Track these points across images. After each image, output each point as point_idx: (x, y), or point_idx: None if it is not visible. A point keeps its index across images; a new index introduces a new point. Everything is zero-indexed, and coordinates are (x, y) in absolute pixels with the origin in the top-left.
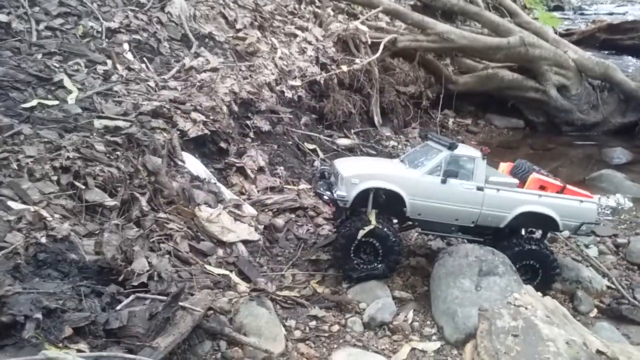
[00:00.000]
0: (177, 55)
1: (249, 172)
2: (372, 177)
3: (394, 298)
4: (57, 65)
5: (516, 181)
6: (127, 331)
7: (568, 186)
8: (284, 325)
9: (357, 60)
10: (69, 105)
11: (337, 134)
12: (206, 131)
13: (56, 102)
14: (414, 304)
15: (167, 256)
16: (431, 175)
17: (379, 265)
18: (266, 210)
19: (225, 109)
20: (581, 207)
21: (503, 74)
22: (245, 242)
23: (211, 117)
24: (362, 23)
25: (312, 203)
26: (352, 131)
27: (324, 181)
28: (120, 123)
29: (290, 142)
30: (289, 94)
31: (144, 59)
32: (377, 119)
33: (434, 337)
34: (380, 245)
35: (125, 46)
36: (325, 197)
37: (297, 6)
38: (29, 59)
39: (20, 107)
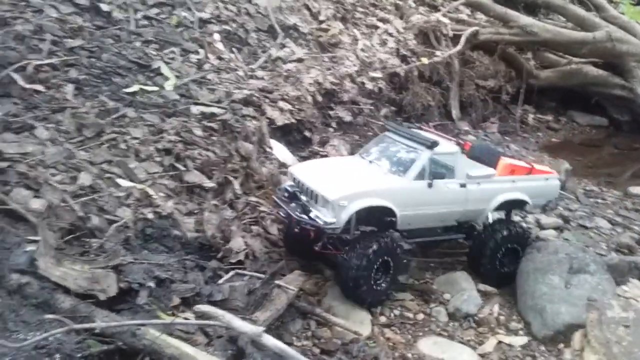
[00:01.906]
0: (263, 46)
1: None
2: (361, 195)
3: (478, 291)
4: (155, 53)
5: (493, 171)
6: (228, 304)
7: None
8: (370, 311)
9: (438, 53)
10: (167, 91)
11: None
12: (292, 120)
13: (155, 88)
14: (499, 298)
15: (258, 237)
16: (418, 181)
17: (387, 282)
18: None
19: (309, 98)
20: (547, 185)
21: (587, 69)
22: None
23: (297, 107)
24: (444, 15)
25: None
26: (430, 124)
27: (296, 203)
28: (215, 110)
29: (371, 133)
30: (369, 86)
31: (233, 49)
32: (455, 112)
33: (520, 332)
34: (392, 262)
35: (216, 36)
36: (307, 226)
37: None
38: (128, 47)
39: (122, 91)
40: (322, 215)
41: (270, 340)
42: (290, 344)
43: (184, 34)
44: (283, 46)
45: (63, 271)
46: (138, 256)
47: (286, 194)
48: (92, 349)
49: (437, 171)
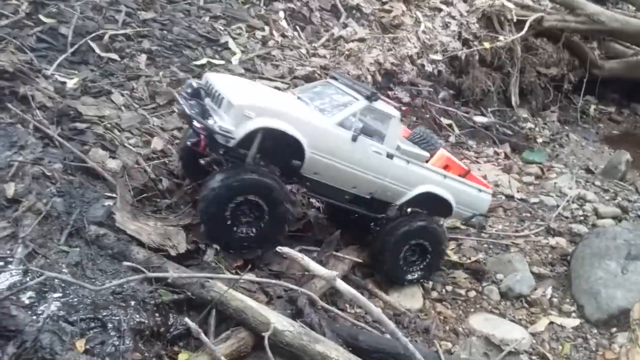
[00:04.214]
0: (326, 25)
1: None
2: (272, 114)
3: (532, 273)
4: (222, 28)
5: (427, 154)
6: (286, 272)
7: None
8: (422, 285)
9: (501, 38)
10: (233, 65)
11: (474, 111)
12: None
13: (222, 62)
14: (552, 281)
15: (314, 210)
16: (342, 128)
17: (264, 230)
18: None
19: (369, 78)
20: (478, 197)
21: None
22: None
23: None
24: (508, 0)
25: None
26: (489, 109)
27: (197, 102)
28: (279, 85)
29: (428, 115)
30: (429, 68)
31: (297, 27)
32: (514, 99)
33: (573, 315)
34: (265, 203)
35: (281, 14)
36: (197, 126)
37: None
38: (198, 21)
39: (192, 64)
40: (220, 121)
41: (342, 285)
42: (343, 310)
43: (251, 11)
44: (345, 26)
45: (138, 226)
46: None
47: (189, 90)
48: (163, 298)
49: (367, 128)
